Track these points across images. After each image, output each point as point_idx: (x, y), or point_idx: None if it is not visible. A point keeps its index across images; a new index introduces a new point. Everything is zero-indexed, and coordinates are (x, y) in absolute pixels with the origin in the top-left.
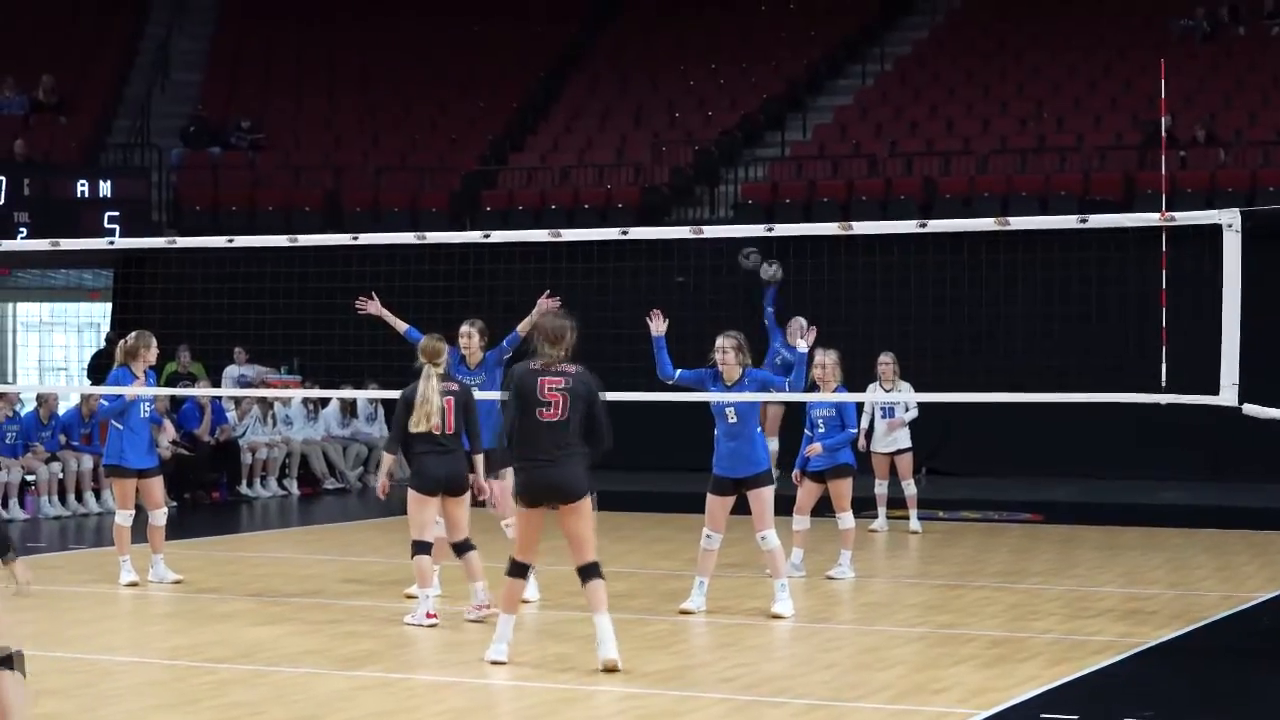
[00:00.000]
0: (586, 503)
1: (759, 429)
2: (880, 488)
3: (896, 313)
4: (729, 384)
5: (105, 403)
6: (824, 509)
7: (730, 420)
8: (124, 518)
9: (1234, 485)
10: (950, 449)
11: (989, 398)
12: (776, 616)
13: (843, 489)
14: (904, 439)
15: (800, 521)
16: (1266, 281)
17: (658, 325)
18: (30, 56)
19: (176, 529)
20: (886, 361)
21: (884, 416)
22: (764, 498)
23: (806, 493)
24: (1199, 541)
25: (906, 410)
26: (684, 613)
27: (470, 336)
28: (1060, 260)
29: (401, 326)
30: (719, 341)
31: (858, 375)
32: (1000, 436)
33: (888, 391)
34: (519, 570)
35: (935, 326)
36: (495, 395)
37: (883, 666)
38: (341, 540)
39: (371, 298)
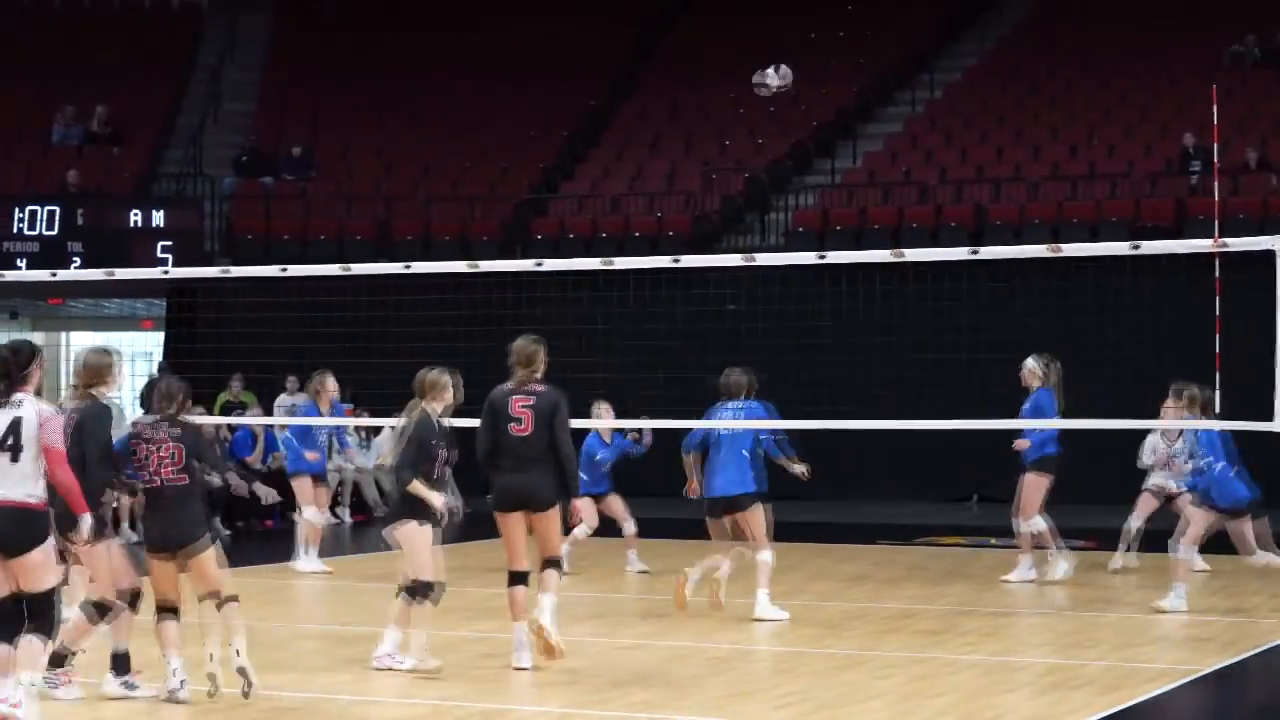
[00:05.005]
0: (554, 510)
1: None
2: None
3: (947, 340)
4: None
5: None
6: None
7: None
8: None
9: None
10: (1003, 476)
11: (1044, 424)
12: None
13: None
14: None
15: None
16: None
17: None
18: (84, 88)
19: (230, 557)
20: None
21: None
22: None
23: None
24: (1254, 568)
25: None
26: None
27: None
28: (1113, 287)
29: None
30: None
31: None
32: None
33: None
34: (517, 579)
35: (988, 353)
36: None
37: (935, 694)
38: (394, 567)
39: None
